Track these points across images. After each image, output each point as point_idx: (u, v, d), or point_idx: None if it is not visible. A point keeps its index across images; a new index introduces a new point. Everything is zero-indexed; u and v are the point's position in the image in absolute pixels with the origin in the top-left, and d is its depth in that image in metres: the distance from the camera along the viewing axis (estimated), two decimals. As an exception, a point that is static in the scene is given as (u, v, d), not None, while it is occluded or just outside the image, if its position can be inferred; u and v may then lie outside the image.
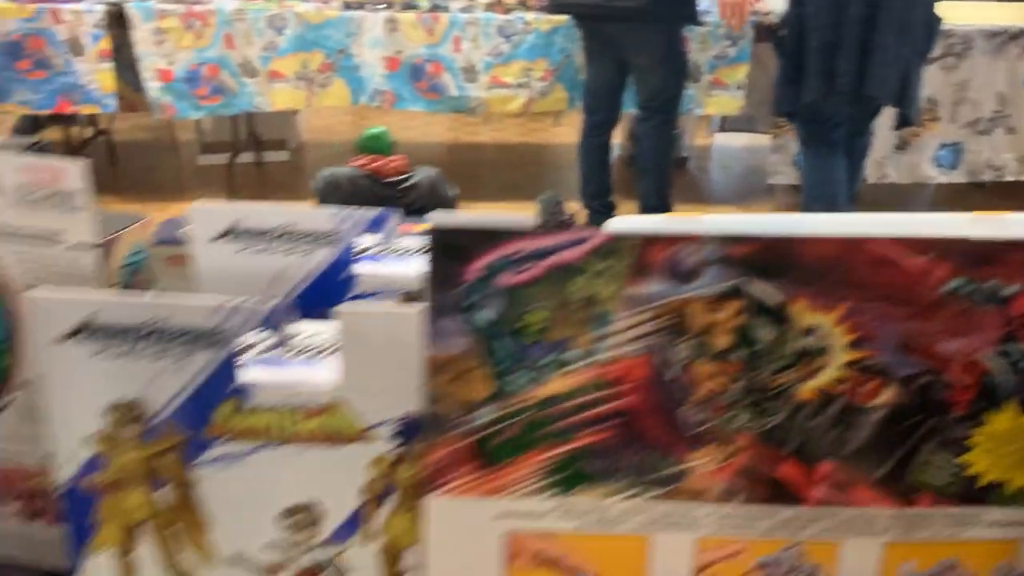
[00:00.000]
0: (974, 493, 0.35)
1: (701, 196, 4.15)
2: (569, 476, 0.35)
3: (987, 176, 3.79)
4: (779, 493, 0.35)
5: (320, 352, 0.38)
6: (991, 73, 3.61)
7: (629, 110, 3.40)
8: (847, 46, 2.53)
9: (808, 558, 0.36)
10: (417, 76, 3.60)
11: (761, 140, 4.16)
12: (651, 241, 0.32)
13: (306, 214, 0.47)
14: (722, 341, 0.33)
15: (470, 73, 3.61)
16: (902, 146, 3.72)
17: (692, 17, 3.02)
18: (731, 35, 3.58)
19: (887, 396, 0.34)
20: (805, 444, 0.34)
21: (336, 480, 0.38)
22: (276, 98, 3.42)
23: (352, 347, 0.36)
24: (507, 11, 3.63)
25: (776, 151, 3.73)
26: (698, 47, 3.60)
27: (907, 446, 0.35)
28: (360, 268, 0.47)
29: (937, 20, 2.72)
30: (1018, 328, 0.33)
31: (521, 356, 0.33)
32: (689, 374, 0.34)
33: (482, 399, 0.34)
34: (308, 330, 0.39)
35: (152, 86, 3.21)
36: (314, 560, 0.39)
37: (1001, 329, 0.33)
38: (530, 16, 3.55)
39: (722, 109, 3.82)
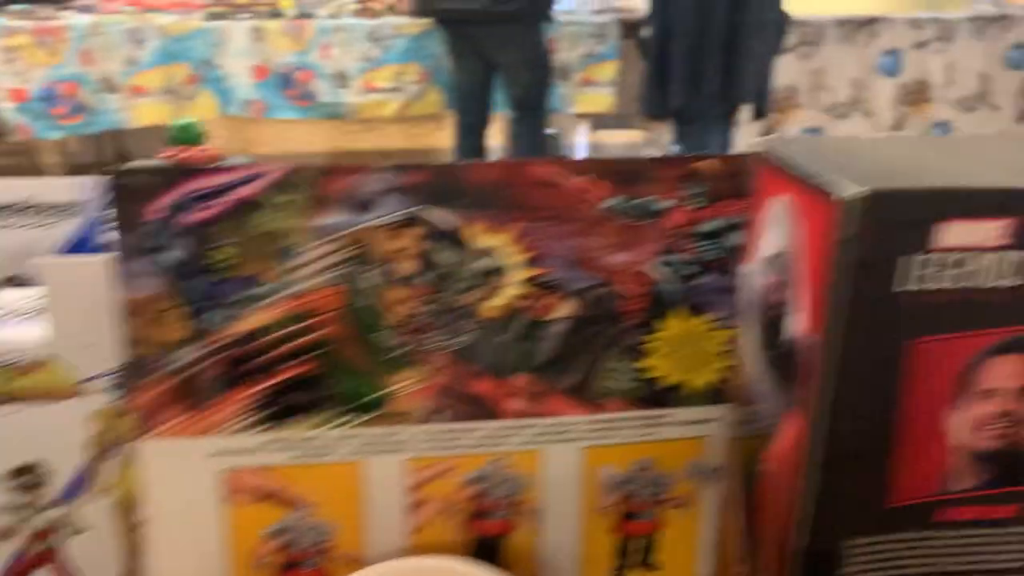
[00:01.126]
0: (658, 396, 0.38)
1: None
2: (278, 410, 0.36)
3: (847, 158, 3.99)
4: (478, 409, 0.37)
5: (34, 313, 0.39)
6: (844, 60, 3.81)
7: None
8: (712, 50, 2.60)
9: (513, 469, 0.38)
10: (287, 84, 3.56)
11: (637, 136, 4.27)
12: (327, 173, 0.34)
13: (49, 186, 0.47)
14: (407, 267, 0.35)
15: (341, 79, 3.59)
16: (767, 132, 3.88)
17: (549, 15, 3.09)
18: (598, 32, 3.67)
19: (566, 309, 0.37)
20: (497, 360, 0.37)
21: (59, 438, 0.38)
22: (140, 114, 3.33)
23: (56, 300, 0.36)
24: (375, 16, 3.63)
25: (649, 146, 3.84)
26: (567, 46, 3.68)
27: (590, 356, 0.37)
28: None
29: (785, 18, 2.84)
30: (675, 239, 0.36)
31: (214, 294, 0.35)
32: (381, 300, 0.36)
33: (180, 340, 0.35)
34: (22, 295, 0.39)
35: (5, 107, 3.07)
36: (47, 520, 0.39)
37: (661, 241, 0.36)
38: (399, 20, 3.56)
39: (595, 107, 3.91)
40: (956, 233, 0.26)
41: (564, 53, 3.68)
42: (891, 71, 3.85)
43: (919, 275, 0.27)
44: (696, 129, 2.84)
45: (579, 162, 0.35)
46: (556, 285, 0.36)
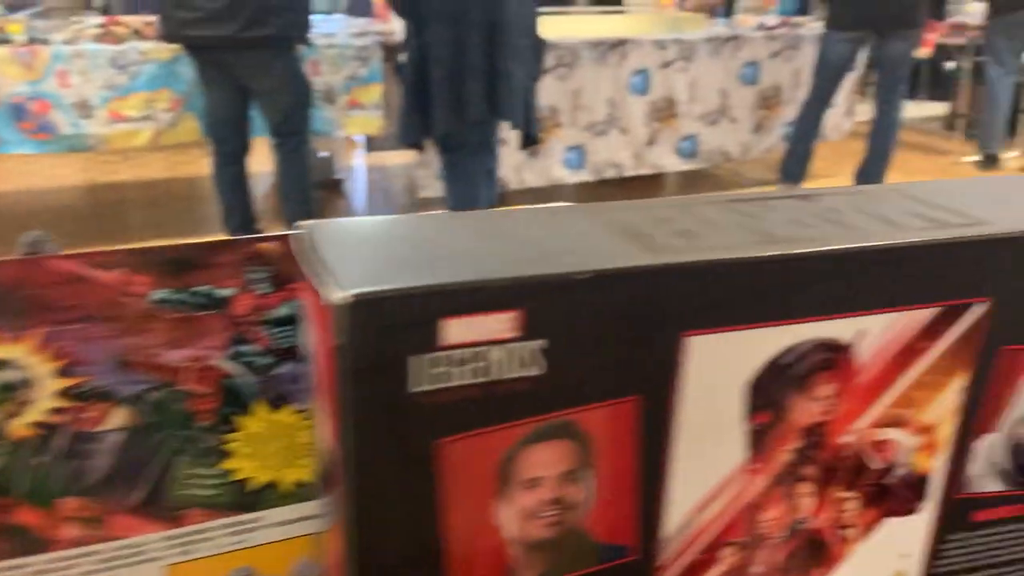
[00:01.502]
0: (249, 499, 0.35)
1: (357, 216, 4.16)
2: None
3: (610, 173, 4.20)
4: (26, 543, 0.32)
5: None
6: (599, 80, 4.00)
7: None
8: (473, 75, 2.62)
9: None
10: (20, 116, 3.25)
11: (411, 156, 4.27)
12: None
13: None
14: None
15: (84, 109, 3.32)
16: (533, 152, 4.00)
17: (305, 39, 3.01)
18: (361, 55, 3.63)
19: (119, 418, 0.32)
20: (38, 484, 0.32)
21: None
22: None
23: None
24: (119, 41, 3.39)
25: (421, 167, 3.84)
26: (330, 69, 3.61)
27: (158, 464, 0.33)
28: None
29: (542, 43, 2.92)
30: (244, 328, 0.33)
31: None
32: None
33: None
34: None
35: None
36: None
37: (228, 332, 0.33)
38: (146, 46, 3.35)
39: (363, 129, 3.87)
40: (463, 329, 0.25)
41: (327, 76, 3.62)
42: (641, 90, 4.09)
43: (433, 374, 0.25)
44: (460, 157, 2.86)
45: (113, 253, 0.31)
46: (103, 392, 0.32)
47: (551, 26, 3.96)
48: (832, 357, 0.29)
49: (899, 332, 0.29)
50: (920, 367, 0.30)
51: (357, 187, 4.62)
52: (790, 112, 4.36)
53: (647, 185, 4.49)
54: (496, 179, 3.15)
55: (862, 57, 4.14)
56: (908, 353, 0.29)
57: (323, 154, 4.52)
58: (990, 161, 4.80)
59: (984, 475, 0.33)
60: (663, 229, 0.28)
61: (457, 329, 0.24)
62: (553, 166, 4.06)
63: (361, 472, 0.25)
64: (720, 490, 0.29)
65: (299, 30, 2.95)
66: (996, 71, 4.61)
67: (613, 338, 0.26)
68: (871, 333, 0.29)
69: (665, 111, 4.15)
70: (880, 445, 0.31)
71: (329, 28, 3.81)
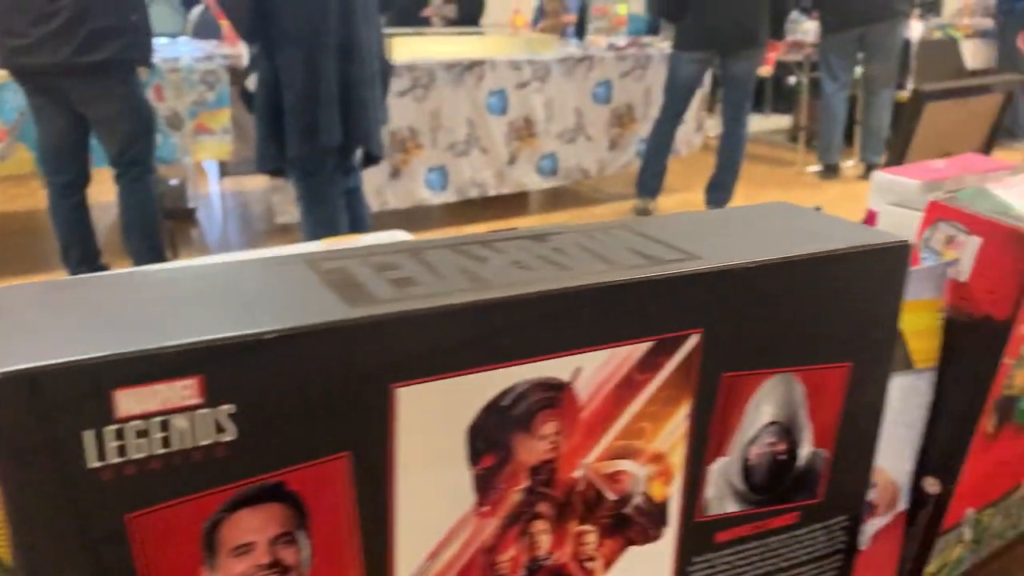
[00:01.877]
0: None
1: (212, 245, 4.03)
2: None
3: (473, 193, 4.23)
4: None
5: None
6: (457, 101, 4.03)
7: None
8: (326, 102, 2.58)
9: None
10: None
11: (264, 181, 4.17)
12: None
13: None
14: None
15: (-101, 141, 3.07)
16: (395, 173, 3.99)
17: (146, 59, 2.89)
18: (208, 80, 3.52)
19: None
20: None
21: None
22: None
23: None
24: (-63, 68, 3.15)
25: (276, 191, 3.76)
26: (174, 94, 3.49)
27: None
28: None
29: (389, 66, 2.91)
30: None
31: None
32: None
33: None
34: None
35: None
36: None
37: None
38: (-33, 72, 3.13)
39: (213, 155, 3.76)
40: (139, 399, 0.23)
41: (172, 102, 3.49)
42: (499, 110, 4.14)
43: (112, 447, 0.24)
44: (316, 182, 2.81)
45: None
46: None
47: (406, 48, 3.97)
48: (552, 396, 0.29)
49: (616, 367, 0.29)
50: (642, 399, 0.30)
51: (212, 215, 4.47)
52: (643, 129, 4.52)
53: (510, 203, 4.55)
54: (363, 200, 3.12)
55: (709, 75, 4.34)
56: (628, 386, 0.30)
57: (173, 182, 4.35)
58: (830, 170, 5.12)
59: (722, 497, 0.34)
60: (380, 278, 0.28)
61: (133, 400, 0.23)
62: (416, 187, 4.06)
63: (40, 558, 0.23)
64: (451, 536, 0.29)
65: (139, 52, 2.83)
66: (831, 86, 4.92)
67: (315, 396, 0.25)
68: (588, 369, 0.29)
69: (524, 130, 4.22)
70: (613, 477, 0.31)
71: (173, 52, 3.67)
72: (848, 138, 5.34)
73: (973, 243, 0.54)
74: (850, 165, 5.28)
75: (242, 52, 3.39)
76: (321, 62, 2.56)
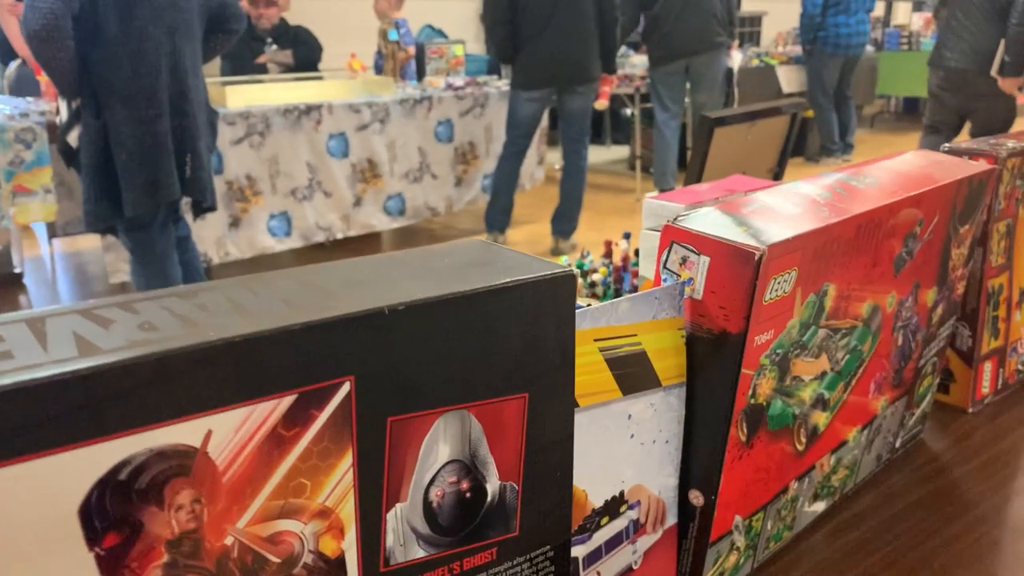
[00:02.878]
0: None
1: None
2: None
3: (320, 237, 4.15)
4: None
5: None
6: (296, 146, 3.96)
7: None
8: (163, 157, 2.49)
9: None
10: None
11: (99, 240, 3.96)
12: None
13: None
14: None
15: None
16: (235, 223, 3.87)
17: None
18: (23, 138, 3.32)
19: None
20: None
21: None
22: None
23: None
24: None
25: (109, 250, 3.57)
26: (-13, 154, 3.27)
27: None
28: None
29: (215, 115, 2.85)
30: None
31: None
32: None
33: None
34: None
35: None
36: None
37: None
38: None
39: (36, 217, 3.53)
40: None
41: (-15, 163, 3.27)
42: (341, 153, 4.10)
43: None
44: (148, 235, 2.70)
45: None
46: None
47: (242, 95, 3.88)
48: (181, 463, 0.27)
49: (257, 425, 0.28)
50: (294, 454, 0.29)
51: (42, 279, 4.20)
52: (487, 165, 4.58)
53: (362, 245, 4.50)
54: (194, 248, 3.01)
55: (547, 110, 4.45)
56: (275, 443, 0.29)
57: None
58: (667, 195, 5.34)
59: (405, 543, 0.33)
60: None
61: None
62: (257, 235, 3.95)
63: None
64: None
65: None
66: (662, 115, 5.16)
67: None
68: (222, 431, 0.28)
69: (368, 172, 4.20)
70: (273, 539, 0.30)
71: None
72: (683, 164, 5.60)
73: (703, 262, 0.57)
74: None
75: (59, 106, 3.22)
76: (154, 117, 2.47)
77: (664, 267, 0.59)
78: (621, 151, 7.03)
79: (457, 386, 0.32)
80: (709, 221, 0.58)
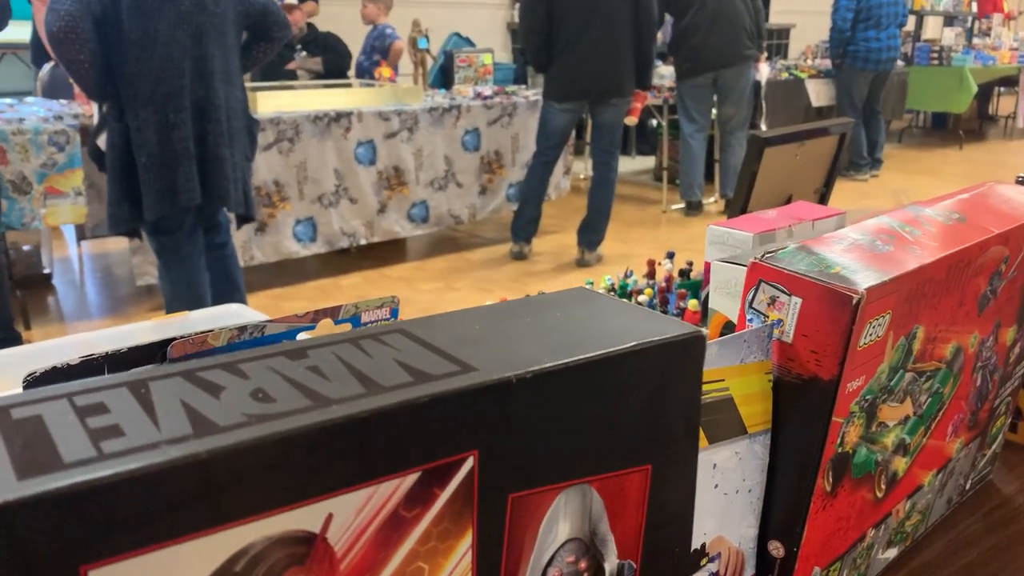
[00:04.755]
0: None
1: (72, 312, 3.79)
2: None
3: (343, 243, 4.15)
4: None
5: None
6: (324, 153, 3.96)
7: None
8: (183, 161, 2.47)
9: None
10: None
11: (126, 242, 3.97)
12: None
13: None
14: None
15: None
16: (261, 228, 3.87)
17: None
18: (56, 141, 3.33)
19: None
20: None
21: None
22: None
23: None
24: None
25: (136, 253, 3.58)
26: (19, 156, 3.28)
27: None
28: None
29: (254, 122, 2.83)
30: None
31: None
32: None
33: None
34: None
35: None
36: None
37: None
38: None
39: (66, 219, 3.54)
40: None
41: (18, 165, 3.28)
42: (368, 160, 4.10)
43: None
44: (175, 240, 2.69)
45: None
46: None
47: (272, 101, 3.88)
48: (299, 551, 0.25)
49: (378, 507, 0.26)
50: (414, 537, 0.27)
51: (71, 281, 4.22)
52: (512, 174, 4.56)
53: (387, 251, 4.49)
54: (232, 255, 3.00)
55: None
56: (395, 526, 0.26)
57: (26, 247, 4.10)
58: (693, 207, 5.30)
59: (522, 626, 0.30)
60: (77, 429, 0.23)
61: None
62: (283, 240, 3.95)
63: None
64: None
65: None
66: (689, 127, 5.12)
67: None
68: (343, 515, 0.25)
69: (394, 179, 4.19)
70: (390, 625, 0.27)
71: (17, 113, 3.47)
72: (709, 176, 5.55)
73: (795, 303, 0.54)
74: (712, 201, 5.49)
75: (93, 111, 3.23)
76: (175, 121, 2.46)
77: (750, 307, 0.56)
78: (647, 162, 6.99)
79: (580, 458, 0.29)
80: (800, 259, 0.55)
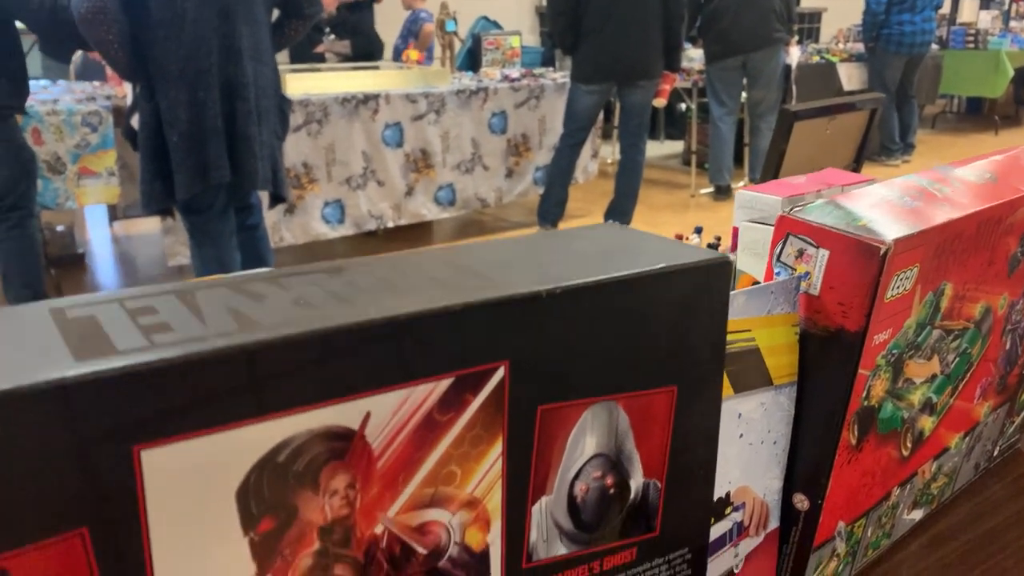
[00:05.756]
0: None
1: (103, 291, 3.84)
2: None
3: (371, 225, 4.17)
4: None
5: None
6: (352, 134, 3.98)
7: None
8: (213, 139, 2.49)
9: None
10: None
11: (158, 223, 4.02)
12: None
13: None
14: None
15: None
16: (290, 209, 3.90)
17: (21, 106, 2.76)
18: (90, 121, 3.38)
19: None
20: None
21: None
22: None
23: None
24: None
25: (168, 233, 3.62)
26: (54, 137, 3.34)
27: None
28: None
29: (286, 101, 2.84)
30: None
31: None
32: None
33: None
34: None
35: None
36: None
37: None
38: None
39: (99, 199, 3.60)
40: None
41: (52, 145, 3.33)
42: (395, 142, 4.11)
43: None
44: (206, 219, 2.72)
45: None
46: None
47: (300, 83, 3.90)
48: (339, 446, 0.26)
49: (413, 408, 0.27)
50: (447, 441, 0.28)
51: (103, 260, 4.28)
52: (539, 157, 4.56)
53: (414, 234, 4.51)
54: (264, 236, 3.02)
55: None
56: (429, 428, 0.27)
57: (60, 228, 4.16)
58: (722, 191, 5.27)
59: (549, 539, 0.31)
60: (130, 325, 0.25)
61: None
62: (311, 222, 3.98)
63: None
64: (230, 612, 0.26)
65: (13, 99, 2.70)
66: (718, 111, 5.08)
67: (36, 465, 0.22)
68: (380, 414, 0.26)
69: (421, 162, 4.20)
70: (422, 529, 0.28)
71: (51, 94, 3.52)
72: (739, 160, 5.51)
73: (822, 256, 0.54)
74: (741, 186, 5.45)
75: (126, 92, 3.27)
76: (205, 100, 2.48)
77: (778, 260, 0.56)
78: (675, 146, 6.95)
79: (607, 376, 0.30)
80: (828, 213, 0.55)
